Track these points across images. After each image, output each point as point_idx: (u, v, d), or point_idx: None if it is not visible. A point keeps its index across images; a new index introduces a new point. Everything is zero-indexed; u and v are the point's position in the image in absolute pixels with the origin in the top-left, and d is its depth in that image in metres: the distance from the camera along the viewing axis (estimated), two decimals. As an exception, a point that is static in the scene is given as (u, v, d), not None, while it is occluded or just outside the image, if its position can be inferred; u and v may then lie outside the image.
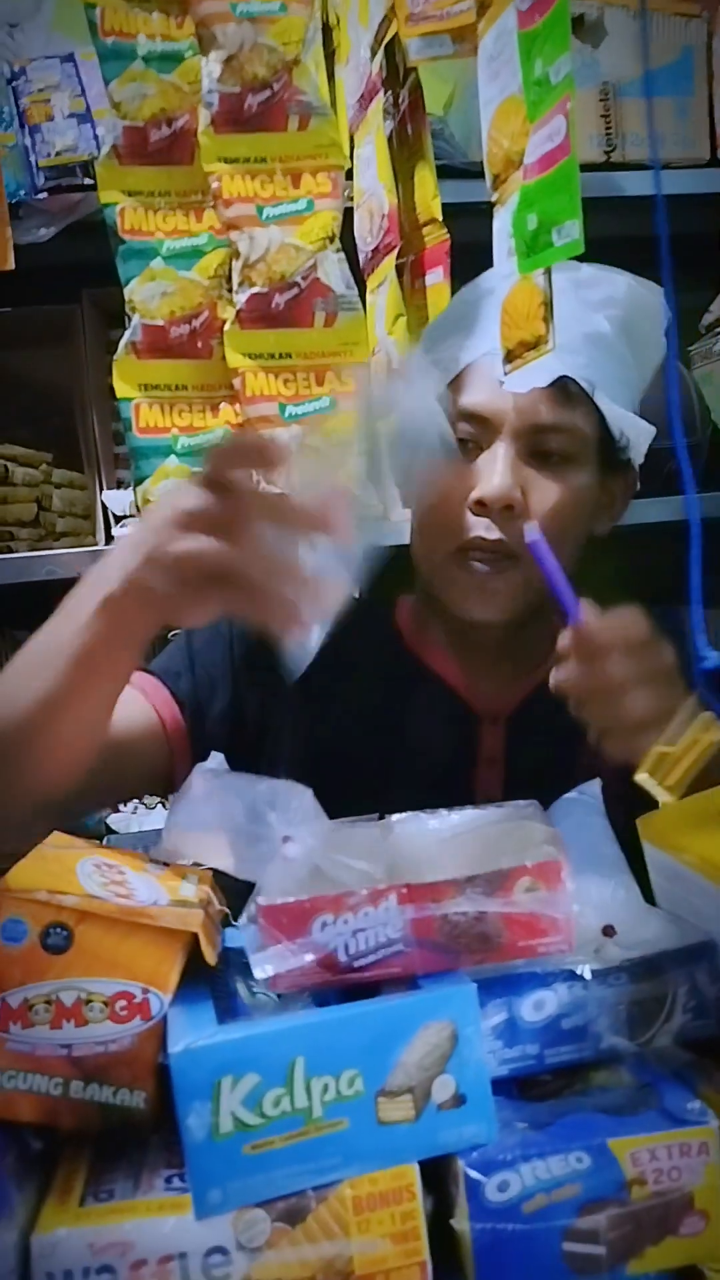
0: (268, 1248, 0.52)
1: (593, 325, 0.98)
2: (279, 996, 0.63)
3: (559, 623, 0.86)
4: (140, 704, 1.01)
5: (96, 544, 1.61)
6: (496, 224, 0.81)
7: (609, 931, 0.64)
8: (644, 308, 1.02)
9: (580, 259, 0.87)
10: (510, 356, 0.83)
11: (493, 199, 0.82)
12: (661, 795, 0.68)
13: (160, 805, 2.05)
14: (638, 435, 1.04)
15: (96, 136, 1.38)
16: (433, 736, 1.06)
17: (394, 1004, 0.56)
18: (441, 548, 0.99)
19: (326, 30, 1.35)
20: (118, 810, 2.04)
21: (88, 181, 1.39)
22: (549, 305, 0.76)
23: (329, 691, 1.06)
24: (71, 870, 0.63)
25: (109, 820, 2.01)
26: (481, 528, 0.97)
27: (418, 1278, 0.54)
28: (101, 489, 1.64)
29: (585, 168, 1.89)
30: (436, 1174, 0.56)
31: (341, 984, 0.60)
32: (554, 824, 0.71)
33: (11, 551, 1.49)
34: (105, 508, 1.60)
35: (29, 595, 1.54)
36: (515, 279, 0.78)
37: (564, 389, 0.96)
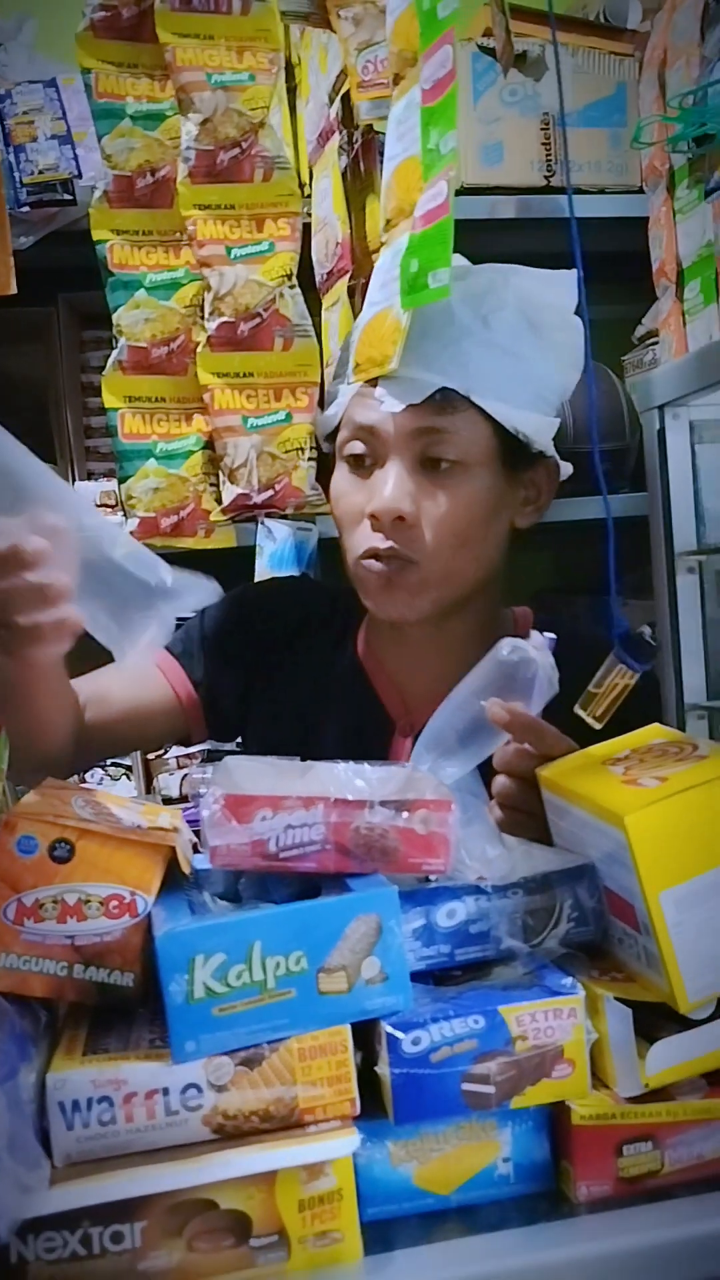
0: (231, 1086, 0.66)
1: (478, 333, 1.01)
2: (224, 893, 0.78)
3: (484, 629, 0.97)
4: (159, 682, 1.15)
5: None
6: (378, 262, 0.95)
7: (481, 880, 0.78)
8: (540, 299, 1.04)
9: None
10: (358, 369, 0.97)
11: (382, 240, 0.95)
12: (591, 722, 0.86)
13: (125, 777, 2.18)
14: (538, 430, 1.05)
15: (76, 157, 1.50)
16: (348, 741, 1.13)
17: (332, 901, 0.70)
18: (350, 555, 1.07)
19: (289, 67, 1.48)
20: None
21: (66, 197, 1.52)
22: (402, 334, 0.89)
23: (288, 681, 1.17)
24: (68, 803, 0.77)
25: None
26: (377, 539, 1.03)
27: (348, 1111, 0.68)
28: (74, 479, 1.74)
29: (527, 190, 2.00)
30: (365, 1033, 0.70)
31: (266, 869, 0.73)
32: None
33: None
34: (78, 497, 1.70)
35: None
36: (380, 307, 0.91)
37: (444, 399, 1.00)
